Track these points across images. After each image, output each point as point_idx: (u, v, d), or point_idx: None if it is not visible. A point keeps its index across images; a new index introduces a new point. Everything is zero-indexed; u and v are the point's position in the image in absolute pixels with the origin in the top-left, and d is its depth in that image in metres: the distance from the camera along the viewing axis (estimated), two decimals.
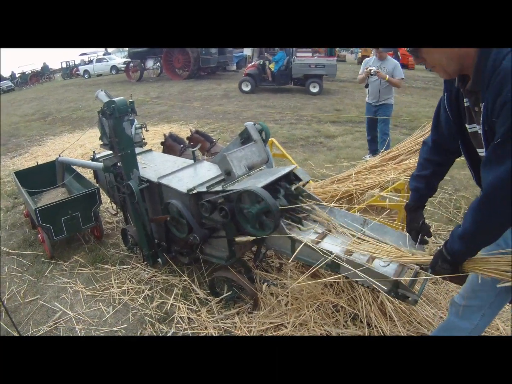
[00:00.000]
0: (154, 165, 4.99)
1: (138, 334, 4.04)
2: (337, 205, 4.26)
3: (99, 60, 41.57)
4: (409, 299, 2.73)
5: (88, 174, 7.58)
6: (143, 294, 4.60)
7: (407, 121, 12.26)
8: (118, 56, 46.17)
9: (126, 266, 5.21)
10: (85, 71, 41.28)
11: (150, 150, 5.79)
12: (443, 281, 4.30)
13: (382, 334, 3.67)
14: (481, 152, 2.16)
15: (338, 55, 39.45)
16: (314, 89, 19.17)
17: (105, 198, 6.49)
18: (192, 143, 6.62)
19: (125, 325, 4.21)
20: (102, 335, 4.08)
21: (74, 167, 6.71)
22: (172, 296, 4.50)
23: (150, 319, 4.23)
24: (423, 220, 2.80)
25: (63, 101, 23.15)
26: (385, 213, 3.98)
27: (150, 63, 31.72)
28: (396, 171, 4.74)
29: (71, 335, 4.12)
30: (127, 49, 33.42)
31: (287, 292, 4.22)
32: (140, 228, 4.67)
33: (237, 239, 3.66)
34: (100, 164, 5.06)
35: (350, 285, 4.12)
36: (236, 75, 28.08)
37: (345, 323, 3.89)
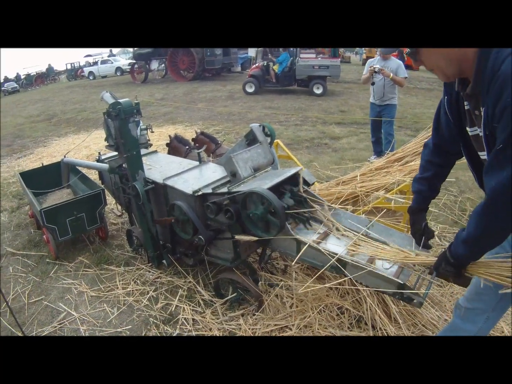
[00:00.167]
0: (160, 166, 4.99)
1: (143, 335, 4.05)
2: (342, 206, 4.26)
3: (104, 62, 41.65)
4: (414, 301, 2.73)
5: (93, 175, 7.59)
6: (148, 296, 4.61)
7: (412, 123, 12.24)
8: (123, 58, 46.25)
9: (131, 267, 5.21)
10: (90, 72, 41.39)
11: (155, 152, 5.79)
12: (448, 284, 4.29)
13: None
14: (483, 155, 2.16)
15: (342, 56, 39.55)
16: (318, 90, 19.16)
17: (110, 199, 6.50)
18: (197, 145, 6.63)
19: (130, 326, 4.20)
20: (106, 336, 4.09)
21: (79, 168, 6.72)
22: (177, 298, 4.50)
23: (154, 321, 4.23)
24: (425, 222, 2.79)
25: (68, 103, 23.21)
26: (390, 215, 3.98)
27: (155, 65, 31.78)
28: (402, 173, 4.73)
29: (75, 335, 4.12)
30: (132, 50, 33.48)
31: (292, 294, 4.21)
32: (145, 230, 4.67)
33: (237, 236, 3.67)
34: (105, 165, 5.06)
35: (355, 287, 4.11)
36: (241, 77, 28.08)
37: (350, 326, 3.89)
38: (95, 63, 43.33)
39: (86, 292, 4.80)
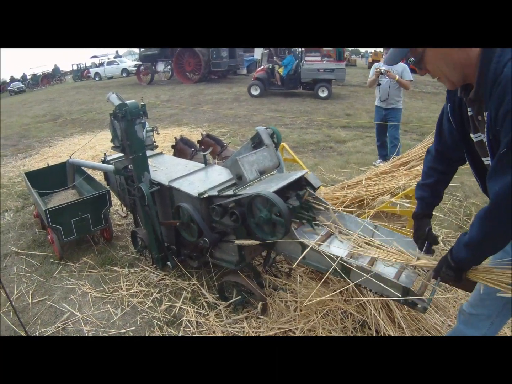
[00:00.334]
0: (165, 168, 4.99)
1: (146, 336, 4.04)
2: (347, 210, 4.25)
3: (110, 63, 41.81)
4: (418, 306, 2.72)
5: (99, 176, 7.60)
6: (152, 297, 4.60)
7: (417, 127, 12.23)
8: (129, 59, 46.46)
9: (135, 269, 5.21)
10: (96, 73, 41.57)
11: (161, 153, 5.79)
12: (452, 289, 4.28)
13: None
14: (487, 161, 2.16)
15: (348, 60, 39.64)
16: (323, 93, 19.19)
17: (115, 200, 6.50)
18: (203, 147, 6.62)
19: (133, 328, 4.20)
20: (109, 336, 4.09)
21: (85, 168, 6.73)
22: (181, 300, 4.49)
23: (158, 322, 4.22)
24: (429, 227, 2.78)
25: (74, 103, 23.29)
26: (395, 219, 3.97)
27: (161, 66, 31.85)
28: (407, 177, 4.72)
29: (78, 336, 4.12)
30: (138, 52, 33.57)
31: (296, 298, 4.20)
32: (150, 231, 4.67)
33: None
34: (111, 167, 5.07)
35: (359, 292, 4.10)
36: (247, 79, 28.12)
37: (354, 330, 3.88)
38: (101, 64, 43.57)
39: (90, 292, 4.80)
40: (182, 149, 6.61)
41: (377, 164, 8.08)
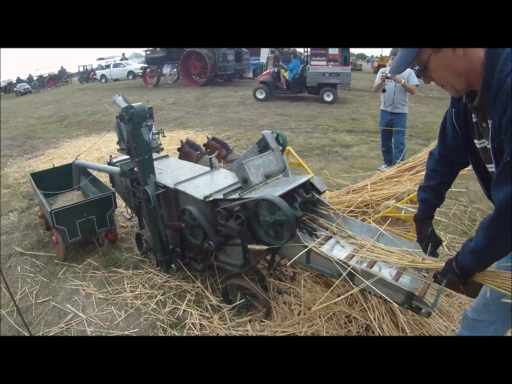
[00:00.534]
0: (171, 171, 5.00)
1: (150, 336, 4.05)
2: (352, 215, 4.25)
3: (116, 65, 41.99)
4: (423, 311, 2.72)
5: (104, 178, 7.62)
6: (156, 299, 4.60)
7: (422, 132, 12.22)
8: (135, 62, 46.62)
9: (140, 271, 5.21)
10: (102, 75, 41.74)
11: (166, 156, 5.80)
12: (456, 294, 4.27)
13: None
14: (491, 167, 2.17)
15: (354, 64, 39.65)
16: (328, 97, 19.18)
17: (120, 202, 6.51)
18: (208, 150, 6.64)
19: (137, 329, 4.20)
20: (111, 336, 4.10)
21: (90, 170, 6.74)
22: (185, 302, 4.50)
23: (162, 324, 4.23)
24: (432, 229, 2.79)
25: (80, 105, 23.36)
26: (400, 224, 3.98)
27: (167, 69, 31.93)
28: (412, 182, 4.72)
29: (81, 335, 4.13)
30: (144, 54, 33.66)
31: (300, 301, 4.20)
32: (155, 234, 4.67)
33: (250, 246, 3.68)
34: (116, 169, 5.08)
35: (363, 296, 4.10)
36: (253, 83, 28.12)
37: (357, 334, 3.87)
38: (108, 66, 43.75)
39: (94, 294, 4.81)
40: (187, 152, 6.62)
41: (382, 169, 8.07)
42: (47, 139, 14.16)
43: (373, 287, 2.90)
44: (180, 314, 4.36)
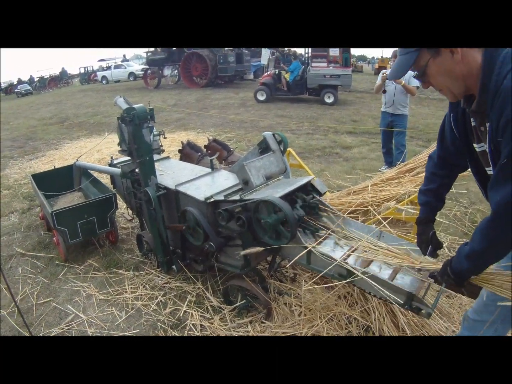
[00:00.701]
0: (172, 172, 5.01)
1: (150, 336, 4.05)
2: (352, 216, 4.26)
3: (117, 67, 42.02)
4: (423, 312, 2.72)
5: (105, 179, 7.62)
6: (157, 300, 4.61)
7: (423, 133, 12.22)
8: (136, 63, 46.66)
9: (140, 272, 5.22)
10: (103, 77, 41.74)
11: (167, 157, 5.80)
12: (456, 295, 4.27)
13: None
14: (489, 170, 2.18)
15: (355, 66, 39.63)
16: (329, 99, 19.17)
17: (121, 203, 6.52)
18: (209, 152, 6.65)
19: (137, 330, 4.21)
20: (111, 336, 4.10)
21: (91, 171, 6.75)
22: (186, 303, 4.50)
23: (162, 325, 4.23)
24: (433, 232, 2.80)
25: (80, 106, 23.38)
26: (400, 225, 3.98)
27: (168, 71, 31.97)
28: (413, 184, 4.73)
29: (81, 336, 4.14)
30: (145, 56, 33.69)
31: (301, 303, 4.21)
32: (155, 235, 4.68)
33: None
34: (117, 170, 5.09)
35: (364, 297, 4.10)
36: (253, 84, 28.14)
37: (358, 335, 3.88)
38: (109, 68, 43.80)
39: (95, 295, 4.81)
40: (188, 153, 6.62)
41: (383, 170, 8.08)
42: (48, 140, 14.17)
43: (374, 288, 2.90)
44: (181, 315, 4.37)
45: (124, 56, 52.78)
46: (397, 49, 2.15)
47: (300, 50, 26.70)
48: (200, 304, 4.50)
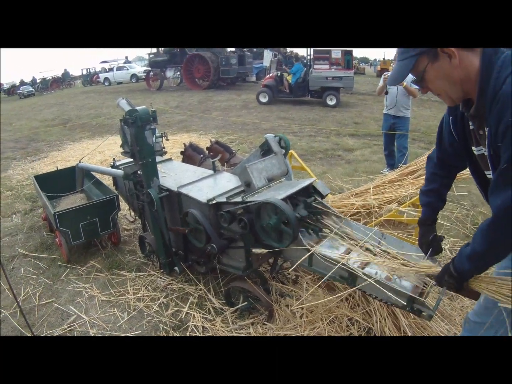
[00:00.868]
0: (174, 174, 5.02)
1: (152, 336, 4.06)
2: (354, 218, 4.26)
3: (119, 68, 42.08)
4: (424, 314, 2.73)
5: (107, 181, 7.63)
6: (159, 302, 4.62)
7: (425, 135, 12.22)
8: (138, 65, 46.70)
9: (142, 273, 5.23)
10: (106, 78, 41.78)
11: (170, 159, 5.82)
12: (458, 297, 4.28)
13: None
14: (489, 174, 2.20)
15: (357, 68, 39.61)
16: (331, 101, 19.16)
17: (123, 205, 6.53)
18: (212, 154, 6.65)
19: (139, 332, 4.22)
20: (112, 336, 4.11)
21: (94, 173, 6.76)
22: (187, 305, 4.51)
23: (164, 327, 4.24)
24: (434, 234, 2.81)
25: (83, 108, 23.41)
26: (402, 228, 3.98)
27: (170, 73, 31.98)
28: (414, 186, 4.73)
29: (83, 336, 4.14)
30: (147, 58, 33.72)
31: (302, 305, 4.21)
32: (158, 236, 4.69)
33: (254, 250, 3.70)
34: (120, 172, 5.10)
35: (365, 299, 4.11)
36: (256, 86, 28.10)
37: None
38: (111, 69, 43.85)
39: (97, 296, 4.83)
40: (191, 155, 6.63)
41: (385, 172, 8.07)
42: (50, 141, 14.21)
43: (375, 290, 2.91)
44: (183, 316, 4.37)
45: (126, 57, 52.86)
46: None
47: (302, 52, 26.73)
48: (202, 305, 4.51)
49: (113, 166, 5.76)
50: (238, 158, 6.53)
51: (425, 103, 19.71)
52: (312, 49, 19.68)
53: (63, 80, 47.60)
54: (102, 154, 11.34)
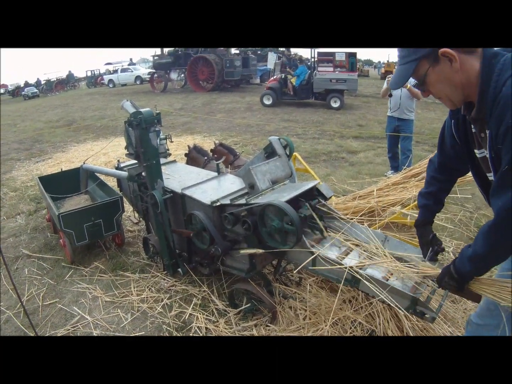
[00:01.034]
0: (178, 176, 5.03)
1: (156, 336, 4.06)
2: (358, 220, 4.27)
3: (124, 70, 42.17)
4: (427, 316, 2.73)
5: (111, 182, 7.65)
6: (162, 303, 4.62)
7: (429, 138, 12.20)
8: (142, 67, 46.81)
9: (146, 275, 5.24)
10: (110, 80, 41.91)
11: (174, 161, 5.83)
12: (461, 300, 4.27)
13: None
14: (490, 176, 2.21)
15: (361, 70, 39.59)
16: (335, 104, 19.16)
17: (127, 206, 6.55)
18: (216, 156, 6.66)
19: (143, 333, 4.22)
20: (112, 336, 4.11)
21: (98, 174, 6.78)
22: (191, 306, 4.51)
23: (168, 328, 4.24)
24: (433, 234, 2.83)
25: (87, 109, 23.46)
26: (406, 230, 3.99)
27: (174, 75, 32.02)
28: (418, 189, 4.74)
29: (85, 335, 4.15)
30: (151, 59, 33.79)
31: (306, 306, 4.21)
32: (162, 238, 4.70)
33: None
34: (124, 173, 5.11)
35: (369, 301, 4.11)
36: (260, 89, 28.12)
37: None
38: (115, 71, 43.98)
39: (101, 297, 4.83)
40: (195, 157, 6.64)
41: (389, 175, 8.08)
42: (54, 143, 14.25)
43: (378, 292, 2.91)
44: (186, 318, 4.38)
45: (130, 59, 52.83)
46: None
47: (306, 55, 26.68)
48: (206, 307, 4.52)
49: (117, 168, 5.77)
50: (242, 160, 6.53)
51: (429, 106, 19.70)
52: (316, 51, 19.72)
53: (68, 82, 47.69)
54: (107, 155, 11.36)
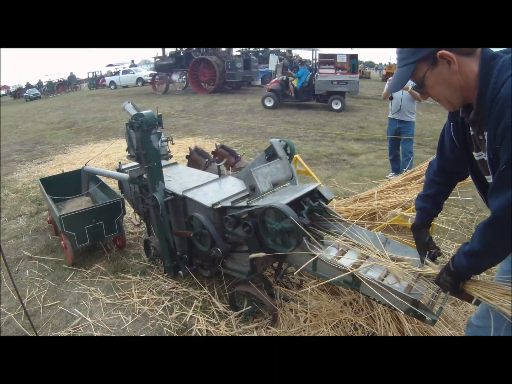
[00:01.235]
0: (179, 178, 5.04)
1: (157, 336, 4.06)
2: (359, 223, 4.26)
3: (125, 72, 42.25)
4: (427, 319, 2.73)
5: (113, 184, 7.65)
6: (163, 305, 4.63)
7: (430, 140, 12.19)
8: (144, 68, 46.87)
9: (147, 277, 5.24)
10: (111, 82, 41.96)
11: (175, 163, 5.84)
12: (462, 302, 4.27)
13: None
14: (489, 178, 2.21)
15: (362, 72, 39.57)
16: (337, 106, 19.16)
17: (128, 208, 6.55)
18: (217, 158, 6.66)
19: (144, 335, 4.22)
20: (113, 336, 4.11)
21: (99, 176, 6.79)
22: (192, 308, 4.51)
23: (168, 330, 4.25)
24: (429, 237, 2.83)
25: (89, 111, 23.47)
26: (407, 233, 3.99)
27: (176, 76, 32.04)
28: (419, 191, 4.72)
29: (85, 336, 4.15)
30: (153, 61, 33.82)
31: (307, 309, 4.21)
32: (163, 240, 4.70)
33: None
34: (125, 175, 5.12)
35: (369, 304, 4.11)
36: (261, 90, 28.12)
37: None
38: (117, 73, 44.00)
39: (102, 299, 4.84)
40: (196, 159, 6.64)
41: (390, 177, 8.08)
42: (56, 144, 14.26)
43: (379, 295, 2.91)
44: (187, 320, 4.38)
45: (132, 61, 53.00)
46: None
47: (307, 56, 26.69)
48: (206, 309, 4.52)
49: (118, 170, 5.78)
50: (243, 162, 6.54)
51: (430, 108, 19.69)
52: (317, 53, 19.73)
53: (69, 83, 47.73)
54: (108, 157, 11.35)
